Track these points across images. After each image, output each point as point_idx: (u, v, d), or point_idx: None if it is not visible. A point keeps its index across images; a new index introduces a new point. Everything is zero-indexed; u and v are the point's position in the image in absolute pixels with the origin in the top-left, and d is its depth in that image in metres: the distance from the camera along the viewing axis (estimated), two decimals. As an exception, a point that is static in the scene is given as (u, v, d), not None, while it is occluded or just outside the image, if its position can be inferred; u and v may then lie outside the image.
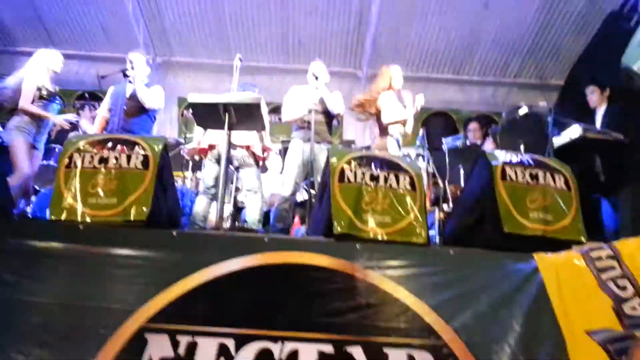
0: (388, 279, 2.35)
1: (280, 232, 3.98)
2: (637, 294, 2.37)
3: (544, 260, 2.52)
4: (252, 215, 3.88)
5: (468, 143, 5.40)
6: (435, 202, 4.62)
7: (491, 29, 7.47)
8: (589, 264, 2.49)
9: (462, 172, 4.79)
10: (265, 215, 4.93)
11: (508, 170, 2.88)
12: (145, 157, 2.79)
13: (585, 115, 4.73)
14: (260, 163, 4.20)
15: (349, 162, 2.87)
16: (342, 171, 2.82)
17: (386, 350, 2.11)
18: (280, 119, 7.42)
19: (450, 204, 4.75)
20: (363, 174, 2.84)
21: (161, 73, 8.20)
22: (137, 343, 2.10)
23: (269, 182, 5.16)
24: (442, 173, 4.89)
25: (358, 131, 7.82)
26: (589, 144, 4.06)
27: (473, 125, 5.73)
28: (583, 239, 2.74)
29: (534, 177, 2.90)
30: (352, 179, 2.81)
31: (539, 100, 8.14)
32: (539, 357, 2.13)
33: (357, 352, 2.09)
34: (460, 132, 7.30)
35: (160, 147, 2.86)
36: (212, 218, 4.12)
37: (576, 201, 2.88)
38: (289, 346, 2.10)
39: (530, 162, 2.98)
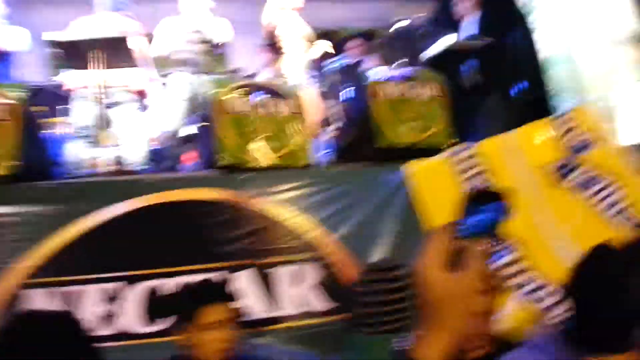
0: (273, 204, 2.45)
1: (168, 170, 3.91)
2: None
3: (412, 167, 2.72)
4: (135, 156, 3.74)
5: (351, 62, 5.47)
6: (327, 124, 4.72)
7: None
8: (453, 164, 2.72)
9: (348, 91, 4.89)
10: (151, 154, 4.76)
11: (382, 86, 3.02)
12: (9, 106, 2.59)
13: (455, 24, 4.91)
14: (140, 99, 4.00)
15: (231, 92, 2.85)
16: (225, 102, 2.81)
17: (272, 270, 2.25)
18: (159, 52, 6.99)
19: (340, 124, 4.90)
20: (246, 102, 2.85)
21: (22, 10, 7.31)
22: (16, 300, 2.04)
23: (152, 118, 4.93)
24: (331, 94, 4.96)
25: (248, 58, 7.60)
26: (461, 51, 4.27)
27: (352, 43, 5.72)
28: (452, 142, 2.99)
29: (407, 89, 3.06)
30: (235, 109, 2.81)
31: (418, 13, 8.35)
32: (412, 254, 2.36)
33: (245, 275, 2.21)
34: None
35: (24, 94, 2.65)
36: (92, 163, 3.95)
37: (447, 108, 3.10)
38: (180, 280, 2.16)
39: (403, 75, 3.13)
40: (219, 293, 1.56)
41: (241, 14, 8.06)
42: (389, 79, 3.04)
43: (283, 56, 4.47)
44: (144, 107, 4.07)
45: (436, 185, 2.56)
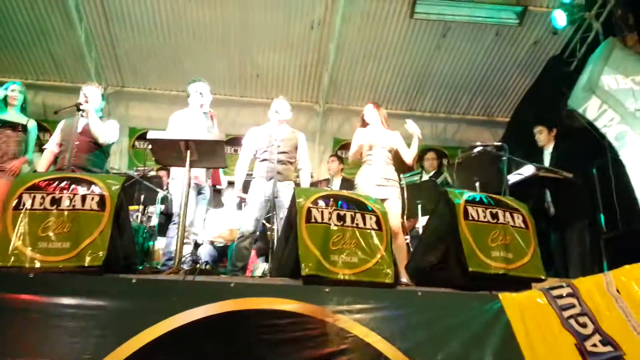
0: (358, 323, 2.32)
1: (239, 270, 3.88)
2: (597, 330, 2.45)
3: (508, 299, 2.56)
4: (209, 252, 3.75)
5: (425, 176, 5.54)
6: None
7: (442, 68, 7.79)
8: (551, 302, 2.55)
9: (419, 207, 4.86)
10: (222, 251, 4.81)
11: (470, 209, 2.93)
12: (102, 197, 2.67)
13: (531, 151, 4.95)
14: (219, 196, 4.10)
15: (315, 202, 2.85)
16: (309, 211, 2.80)
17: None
18: (235, 150, 7.32)
19: (408, 238, 4.83)
20: (330, 213, 2.83)
21: (112, 103, 7.98)
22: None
23: (226, 217, 5.06)
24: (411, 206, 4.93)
25: (314, 163, 7.83)
26: (540, 181, 4.23)
27: (430, 154, 5.91)
28: (543, 276, 2.83)
29: (494, 215, 2.97)
30: (319, 219, 2.79)
31: (486, 135, 8.52)
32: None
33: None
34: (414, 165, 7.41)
35: (118, 187, 2.74)
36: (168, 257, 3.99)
37: (534, 239, 2.98)
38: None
39: (490, 200, 3.05)
40: None
41: (311, 122, 8.51)
42: (477, 202, 2.96)
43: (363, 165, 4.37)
44: (219, 205, 4.18)
45: (537, 322, 2.39)
